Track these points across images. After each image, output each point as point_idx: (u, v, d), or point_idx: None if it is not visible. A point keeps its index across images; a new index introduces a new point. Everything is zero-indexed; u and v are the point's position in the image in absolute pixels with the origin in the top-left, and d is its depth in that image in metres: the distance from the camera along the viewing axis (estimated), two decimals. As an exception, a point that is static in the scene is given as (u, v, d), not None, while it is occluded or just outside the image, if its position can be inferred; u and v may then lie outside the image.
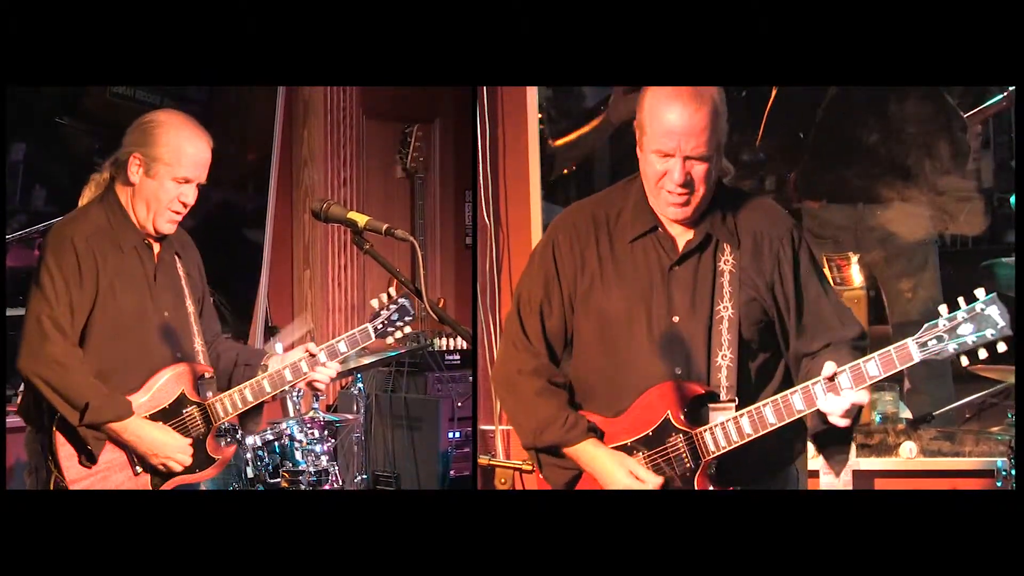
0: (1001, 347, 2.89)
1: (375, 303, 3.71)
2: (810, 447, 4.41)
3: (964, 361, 2.92)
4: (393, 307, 3.70)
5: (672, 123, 3.01)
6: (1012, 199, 4.31)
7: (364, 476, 5.58)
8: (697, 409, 3.10)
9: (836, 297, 3.24)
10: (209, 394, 3.66)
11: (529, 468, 4.55)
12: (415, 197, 6.77)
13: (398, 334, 3.72)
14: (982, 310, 2.89)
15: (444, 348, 6.27)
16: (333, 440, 5.36)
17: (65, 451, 3.48)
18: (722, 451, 3.08)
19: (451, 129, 7.00)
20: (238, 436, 4.88)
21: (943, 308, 2.93)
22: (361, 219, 3.21)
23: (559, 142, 5.08)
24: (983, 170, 5.37)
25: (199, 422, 3.63)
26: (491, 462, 4.74)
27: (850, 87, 5.24)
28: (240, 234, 6.21)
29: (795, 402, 3.02)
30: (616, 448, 3.16)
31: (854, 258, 4.86)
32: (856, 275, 4.78)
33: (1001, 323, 2.88)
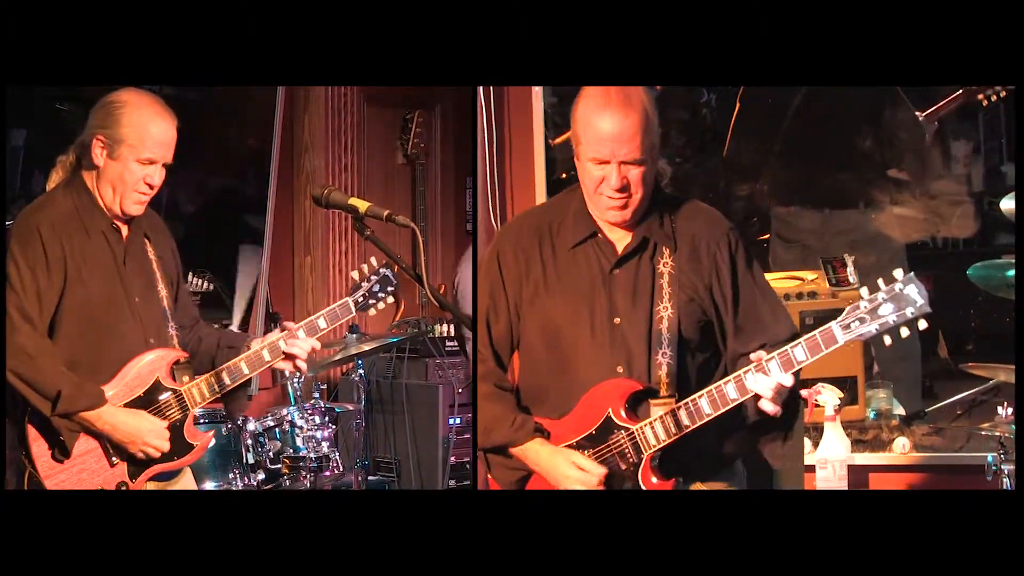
0: (921, 324, 2.97)
1: (355, 275, 3.67)
2: (807, 443, 4.50)
3: (887, 340, 3.00)
4: (374, 278, 3.65)
5: (605, 131, 3.11)
6: (1000, 202, 4.42)
7: (364, 462, 5.61)
8: (638, 405, 3.19)
9: (773, 297, 3.33)
10: (185, 379, 3.58)
11: None
12: (416, 183, 6.78)
13: (380, 305, 3.67)
14: (900, 289, 2.97)
15: (444, 334, 6.29)
16: (334, 426, 5.38)
17: (38, 447, 3.42)
18: (663, 444, 3.16)
19: (452, 115, 7.00)
20: (239, 423, 4.89)
21: (864, 291, 3.01)
22: (362, 205, 3.22)
23: (557, 141, 5.16)
24: (973, 174, 5.46)
25: (175, 409, 3.55)
26: None
27: (817, 92, 5.34)
28: (241, 220, 6.20)
29: (728, 391, 3.10)
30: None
31: (850, 259, 4.94)
32: (852, 275, 4.85)
33: (920, 301, 2.96)
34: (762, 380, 3.04)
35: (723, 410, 3.11)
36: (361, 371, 5.67)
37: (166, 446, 3.51)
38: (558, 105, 5.17)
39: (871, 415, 4.87)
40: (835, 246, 5.32)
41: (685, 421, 3.13)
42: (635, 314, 3.19)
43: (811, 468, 4.44)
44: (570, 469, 3.19)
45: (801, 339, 3.03)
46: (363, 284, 3.66)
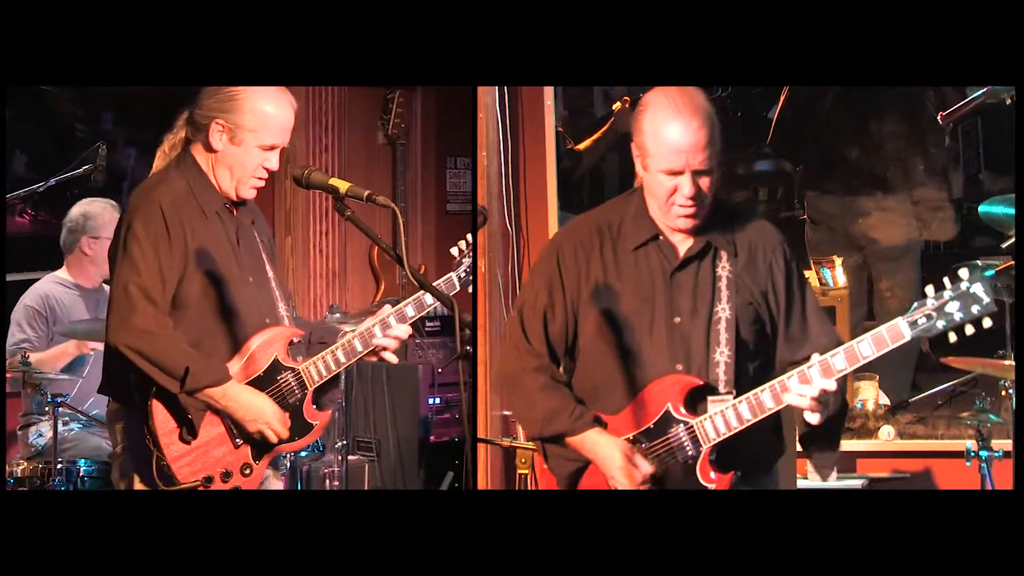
0: (987, 322, 3.03)
1: (455, 251, 3.69)
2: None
3: (952, 337, 3.06)
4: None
5: (679, 142, 3.13)
6: (980, 208, 4.67)
7: (344, 442, 5.61)
8: (696, 401, 3.22)
9: (820, 310, 3.39)
10: (299, 359, 3.54)
11: None
12: (396, 163, 6.77)
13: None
14: (967, 288, 3.03)
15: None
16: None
17: (164, 427, 3.37)
18: (722, 437, 3.19)
19: (433, 95, 6.98)
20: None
21: (930, 289, 3.07)
22: (343, 185, 3.20)
23: (581, 146, 5.29)
24: (953, 182, 5.75)
25: (295, 388, 3.51)
26: (512, 443, 4.80)
27: (850, 92, 5.61)
28: (221, 200, 6.16)
29: (792, 385, 3.13)
30: None
31: (838, 260, 5.17)
32: (840, 276, 5.06)
33: (986, 299, 3.02)
34: (804, 387, 3.08)
35: (784, 404, 3.14)
36: (340, 350, 5.64)
37: (285, 433, 3.48)
38: (569, 118, 5.28)
39: (858, 405, 5.06)
40: (854, 230, 5.61)
41: (747, 415, 3.16)
42: (695, 314, 3.23)
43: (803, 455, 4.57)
44: (622, 460, 3.21)
45: (867, 335, 3.08)
46: (464, 260, 3.69)
